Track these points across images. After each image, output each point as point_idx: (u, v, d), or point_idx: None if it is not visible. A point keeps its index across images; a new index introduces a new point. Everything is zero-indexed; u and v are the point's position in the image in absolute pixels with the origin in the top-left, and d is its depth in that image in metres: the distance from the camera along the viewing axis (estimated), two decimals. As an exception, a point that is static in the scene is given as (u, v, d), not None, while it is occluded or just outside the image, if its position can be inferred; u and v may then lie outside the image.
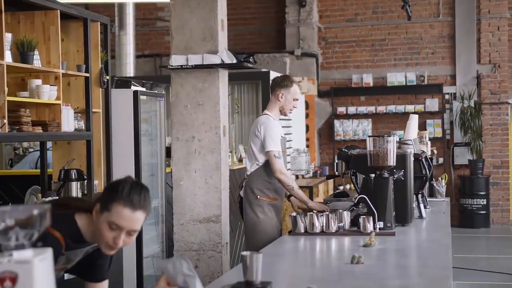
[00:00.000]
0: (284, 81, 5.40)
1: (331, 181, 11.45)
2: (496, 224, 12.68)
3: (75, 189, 5.51)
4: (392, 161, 4.45)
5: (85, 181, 5.67)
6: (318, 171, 11.33)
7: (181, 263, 2.61)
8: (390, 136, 4.49)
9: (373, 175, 4.46)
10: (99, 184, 5.93)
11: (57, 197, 5.15)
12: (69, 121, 5.36)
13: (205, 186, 5.84)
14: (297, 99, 5.43)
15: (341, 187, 12.39)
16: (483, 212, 12.40)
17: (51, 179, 5.76)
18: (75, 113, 5.57)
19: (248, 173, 5.34)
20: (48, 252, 1.82)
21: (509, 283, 8.22)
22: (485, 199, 12.39)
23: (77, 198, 2.87)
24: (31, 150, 8.78)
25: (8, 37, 4.77)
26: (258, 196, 5.25)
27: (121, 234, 2.61)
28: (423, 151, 5.73)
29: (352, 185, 11.92)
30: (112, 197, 2.61)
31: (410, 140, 5.29)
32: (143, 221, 2.67)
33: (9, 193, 6.36)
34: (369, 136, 4.53)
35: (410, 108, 12.72)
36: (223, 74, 6.00)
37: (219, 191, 5.84)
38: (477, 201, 12.37)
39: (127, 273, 6.17)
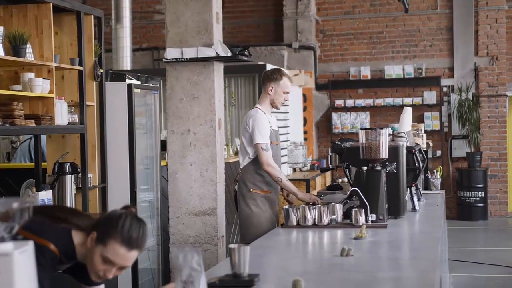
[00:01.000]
0: (274, 75, 5.40)
1: (328, 174, 11.47)
2: (494, 216, 12.69)
3: (69, 183, 5.51)
4: (384, 153, 4.46)
5: (79, 174, 5.66)
6: (316, 164, 11.34)
7: (193, 255, 2.62)
8: (382, 129, 4.49)
9: (365, 167, 4.47)
10: (93, 178, 5.93)
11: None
12: (62, 115, 5.35)
13: (200, 179, 5.85)
14: (287, 92, 5.42)
15: (339, 180, 12.41)
16: (481, 204, 12.41)
17: (45, 173, 5.76)
18: (69, 106, 5.56)
19: (241, 167, 5.37)
20: (29, 245, 1.83)
21: (507, 275, 8.23)
22: (483, 192, 12.40)
23: (74, 212, 2.83)
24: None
25: (0, 30, 4.76)
26: (251, 189, 5.27)
27: (113, 269, 2.64)
28: (417, 144, 5.73)
29: (349, 178, 11.92)
30: (110, 231, 2.61)
31: (403, 132, 5.29)
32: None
33: (6, 187, 6.36)
34: (361, 129, 4.54)
35: (408, 100, 12.72)
36: (218, 67, 6.00)
37: (215, 184, 5.85)
38: (475, 194, 12.37)
39: (121, 266, 6.16)
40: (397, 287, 2.85)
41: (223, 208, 6.04)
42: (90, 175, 5.83)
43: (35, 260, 2.19)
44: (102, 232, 2.63)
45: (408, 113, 5.75)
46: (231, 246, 2.76)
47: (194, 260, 2.65)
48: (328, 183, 10.99)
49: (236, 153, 8.24)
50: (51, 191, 5.33)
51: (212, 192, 5.85)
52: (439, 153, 12.70)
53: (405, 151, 4.77)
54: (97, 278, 2.69)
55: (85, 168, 5.70)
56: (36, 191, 5.36)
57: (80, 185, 5.69)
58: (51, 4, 5.27)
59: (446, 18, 12.88)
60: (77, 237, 2.71)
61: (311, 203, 5.04)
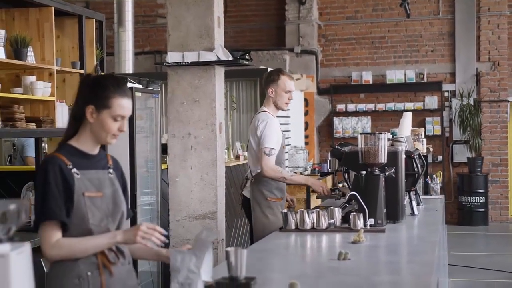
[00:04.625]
0: (271, 76, 5.35)
1: (330, 178, 11.47)
2: (494, 221, 12.69)
3: (70, 185, 5.52)
4: (383, 158, 4.46)
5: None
6: (317, 168, 11.34)
7: (191, 258, 2.65)
8: (381, 133, 4.50)
9: (364, 172, 4.47)
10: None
11: None
12: (63, 117, 5.38)
13: (201, 183, 5.86)
14: (289, 91, 5.34)
15: (340, 185, 12.40)
16: (482, 209, 12.41)
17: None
18: (70, 109, 5.59)
19: (253, 174, 5.27)
20: (26, 246, 1.85)
21: (507, 281, 8.23)
22: (483, 197, 12.40)
23: None
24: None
25: (1, 33, 4.79)
26: (268, 198, 5.21)
27: (124, 121, 2.89)
28: (417, 149, 5.74)
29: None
30: (106, 96, 2.85)
31: (403, 137, 5.29)
32: None
33: (6, 189, 6.38)
34: (360, 133, 4.54)
35: (409, 105, 12.74)
36: (219, 71, 6.02)
37: (215, 188, 5.86)
38: (475, 199, 12.38)
39: (121, 269, 6.17)
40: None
41: (223, 211, 6.05)
42: (90, 178, 5.84)
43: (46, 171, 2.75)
44: (98, 101, 2.85)
45: (407, 118, 5.76)
46: (228, 249, 2.77)
47: (192, 262, 2.67)
48: (329, 187, 10.98)
49: (237, 157, 8.26)
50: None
51: (212, 196, 5.86)
52: (440, 158, 12.70)
53: (404, 156, 4.78)
54: (112, 139, 2.90)
55: (85, 171, 5.71)
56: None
57: (81, 187, 5.70)
58: (53, 8, 5.30)
59: (448, 23, 12.90)
60: (73, 141, 2.91)
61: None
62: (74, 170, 2.84)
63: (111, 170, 2.99)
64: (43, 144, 6.45)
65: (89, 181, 2.88)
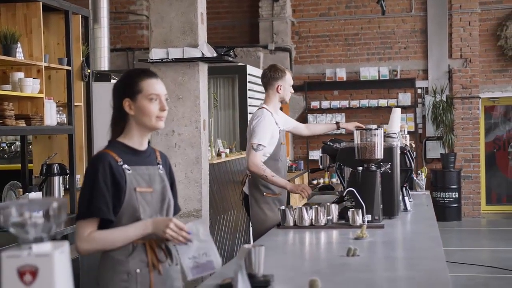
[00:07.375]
0: (277, 73, 5.42)
1: (306, 175, 11.52)
2: (467, 217, 12.84)
3: (57, 184, 5.44)
4: (379, 154, 4.47)
5: (67, 175, 5.60)
6: (294, 166, 11.38)
7: (198, 228, 2.61)
8: (377, 129, 4.50)
9: (360, 168, 4.47)
10: (81, 179, 5.86)
11: None
12: (51, 115, 5.29)
13: (185, 181, 5.84)
14: (291, 84, 5.53)
15: (315, 181, 12.45)
16: (455, 205, 12.55)
17: (32, 174, 5.68)
18: (57, 106, 5.50)
19: (251, 170, 5.19)
20: (65, 246, 1.80)
21: (481, 275, 8.34)
22: (456, 193, 12.53)
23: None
24: (6, 144, 8.67)
25: (-12, 29, 4.69)
26: (264, 193, 5.20)
27: (161, 100, 2.90)
28: (406, 145, 5.77)
29: (328, 179, 11.97)
30: (134, 82, 2.91)
31: (395, 133, 5.31)
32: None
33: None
34: (356, 129, 4.54)
35: (383, 102, 12.81)
36: (203, 68, 6.00)
37: (200, 185, 5.84)
38: (449, 195, 12.51)
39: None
40: (413, 286, 2.85)
41: (208, 209, 6.03)
42: (78, 176, 5.76)
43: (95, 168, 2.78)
44: (130, 91, 2.89)
45: (397, 113, 5.78)
46: (246, 246, 2.75)
47: (200, 231, 2.63)
48: (306, 184, 11.02)
49: (219, 154, 8.23)
50: (40, 192, 5.26)
51: (197, 194, 5.83)
52: (414, 154, 12.78)
53: (399, 152, 4.79)
54: (158, 121, 2.91)
55: (73, 169, 5.63)
56: (24, 193, 5.27)
57: (68, 186, 5.62)
58: (41, 3, 5.20)
59: (420, 20, 13.01)
60: (121, 138, 2.93)
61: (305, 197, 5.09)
62: (125, 166, 2.86)
63: (160, 166, 3.01)
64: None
65: (140, 176, 2.90)
